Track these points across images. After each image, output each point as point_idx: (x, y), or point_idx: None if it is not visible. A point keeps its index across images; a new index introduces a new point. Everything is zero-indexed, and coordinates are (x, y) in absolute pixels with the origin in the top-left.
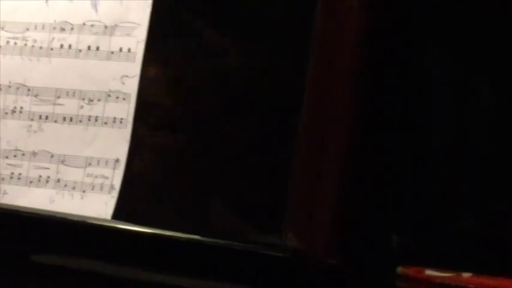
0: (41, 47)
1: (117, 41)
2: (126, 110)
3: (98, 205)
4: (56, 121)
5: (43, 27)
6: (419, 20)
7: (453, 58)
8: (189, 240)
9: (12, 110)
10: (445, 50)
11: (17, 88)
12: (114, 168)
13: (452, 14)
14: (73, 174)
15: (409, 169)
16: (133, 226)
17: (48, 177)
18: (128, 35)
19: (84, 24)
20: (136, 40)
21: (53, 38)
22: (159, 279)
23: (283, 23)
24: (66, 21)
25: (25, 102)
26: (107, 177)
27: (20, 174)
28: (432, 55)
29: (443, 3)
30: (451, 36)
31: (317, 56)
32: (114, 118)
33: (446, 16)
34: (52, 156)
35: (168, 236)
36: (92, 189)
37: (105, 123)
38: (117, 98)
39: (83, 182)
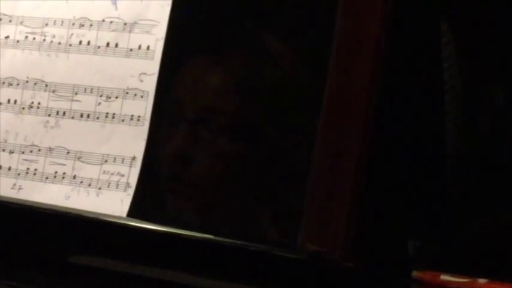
0: (59, 43)
1: (136, 39)
2: (144, 108)
3: (113, 202)
4: (73, 117)
5: (62, 23)
6: (437, 25)
7: (471, 62)
8: (204, 239)
9: (29, 106)
10: (463, 54)
11: (35, 83)
12: (130, 166)
13: (469, 15)
14: (89, 171)
15: (426, 174)
16: (148, 224)
17: (64, 173)
18: (147, 32)
19: (103, 20)
20: (156, 38)
21: (72, 34)
22: (173, 278)
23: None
24: (85, 18)
25: (42, 97)
26: (123, 175)
27: (35, 169)
28: (451, 60)
29: (460, 4)
30: (468, 38)
31: (336, 61)
32: (132, 116)
33: (463, 17)
34: (68, 152)
35: (183, 235)
36: (108, 186)
37: (123, 120)
38: (135, 95)
39: (99, 179)
